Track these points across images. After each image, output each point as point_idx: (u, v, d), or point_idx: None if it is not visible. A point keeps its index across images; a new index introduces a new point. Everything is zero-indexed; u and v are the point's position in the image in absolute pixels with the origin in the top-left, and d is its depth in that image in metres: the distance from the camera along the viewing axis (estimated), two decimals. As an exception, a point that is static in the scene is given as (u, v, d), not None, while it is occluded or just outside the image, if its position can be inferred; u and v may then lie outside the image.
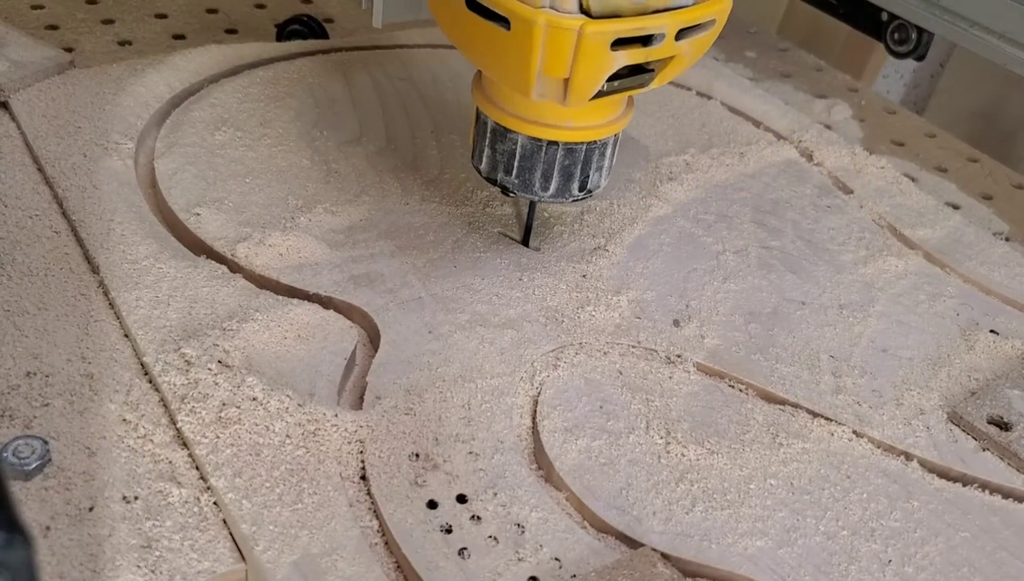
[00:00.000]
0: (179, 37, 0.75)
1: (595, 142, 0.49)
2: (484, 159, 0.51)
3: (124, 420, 0.42)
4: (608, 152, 0.50)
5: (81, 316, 0.46)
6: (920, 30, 0.76)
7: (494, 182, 0.52)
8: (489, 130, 0.50)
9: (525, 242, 0.57)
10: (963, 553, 0.43)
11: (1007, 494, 0.46)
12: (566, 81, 0.44)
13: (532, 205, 0.55)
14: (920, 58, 0.78)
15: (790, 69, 0.89)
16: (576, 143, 0.49)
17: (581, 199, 0.51)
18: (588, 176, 0.50)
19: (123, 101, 0.61)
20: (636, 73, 0.46)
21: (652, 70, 0.46)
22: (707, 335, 0.52)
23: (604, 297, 0.53)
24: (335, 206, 0.56)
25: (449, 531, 0.39)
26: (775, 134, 0.73)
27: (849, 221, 0.64)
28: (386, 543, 0.39)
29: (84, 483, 0.39)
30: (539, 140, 0.48)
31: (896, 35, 0.78)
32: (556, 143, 0.48)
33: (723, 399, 0.48)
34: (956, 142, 0.81)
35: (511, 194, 0.52)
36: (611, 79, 0.44)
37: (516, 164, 0.49)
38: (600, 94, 0.45)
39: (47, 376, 0.43)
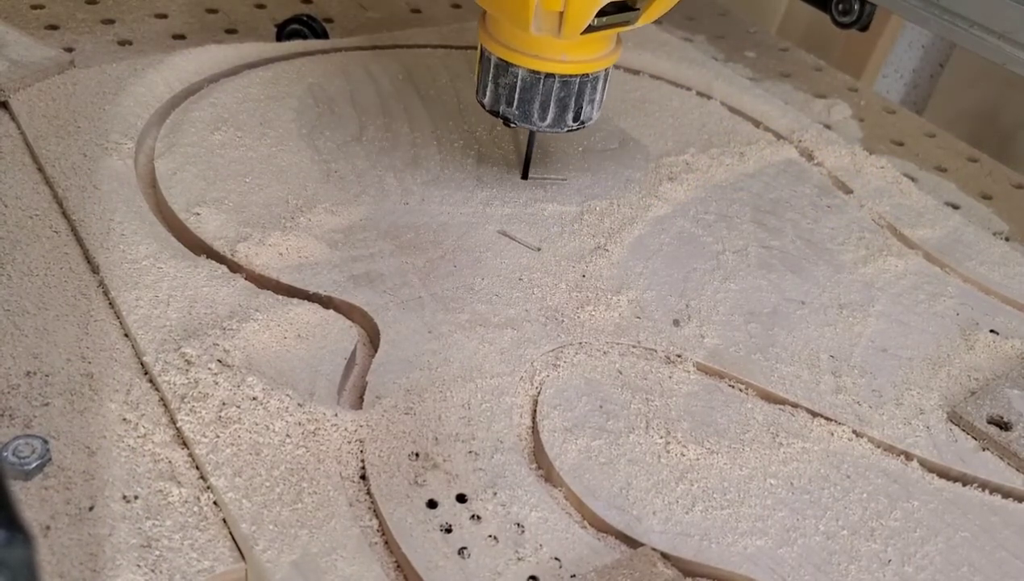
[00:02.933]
0: (179, 37, 0.75)
1: (587, 75, 0.54)
2: (488, 93, 0.56)
3: (124, 420, 0.42)
4: (599, 85, 0.56)
5: (81, 316, 0.46)
6: (863, 2, 0.80)
7: (496, 114, 0.57)
8: (493, 65, 0.55)
9: (524, 175, 0.62)
10: (963, 553, 0.43)
11: (1007, 494, 0.46)
12: (561, 14, 0.49)
13: (531, 136, 0.60)
14: (863, 28, 0.81)
15: (790, 69, 0.89)
16: (571, 75, 0.54)
17: (575, 129, 0.57)
18: (581, 107, 0.56)
19: (123, 101, 0.61)
20: (622, 11, 0.52)
21: (637, 8, 0.52)
22: (707, 335, 0.52)
23: (604, 297, 0.53)
24: (335, 206, 0.56)
25: (449, 531, 0.39)
26: (775, 134, 0.73)
27: (849, 221, 0.64)
28: (386, 543, 0.39)
29: (84, 482, 0.39)
30: (537, 73, 0.54)
31: (840, 6, 0.82)
32: (553, 75, 0.54)
33: (723, 399, 0.48)
34: (956, 142, 0.81)
35: (512, 125, 0.57)
36: (600, 14, 0.50)
37: (517, 96, 0.55)
38: (591, 29, 0.50)
39: (47, 376, 0.43)
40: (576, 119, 0.56)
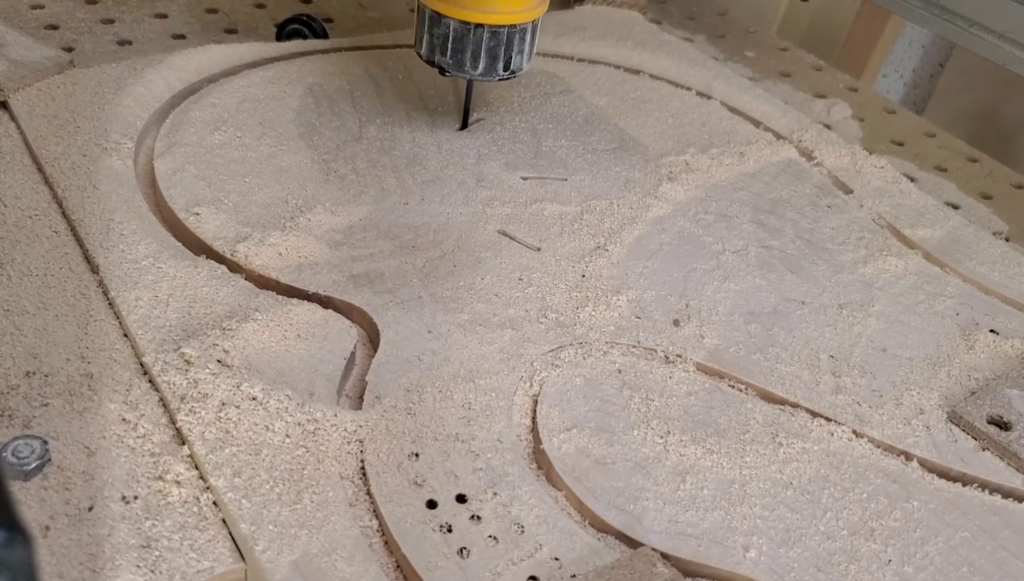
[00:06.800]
0: (179, 37, 0.75)
1: (515, 26, 0.59)
2: (424, 44, 0.60)
3: (124, 420, 0.42)
4: (528, 36, 0.60)
5: (81, 316, 0.46)
6: None
7: (432, 64, 0.61)
8: (427, 17, 0.59)
9: (464, 124, 0.66)
10: (963, 553, 0.43)
11: (1007, 494, 0.46)
12: None
13: (469, 86, 0.64)
14: None
15: (790, 69, 0.89)
16: (499, 26, 0.58)
17: (507, 78, 0.61)
18: (511, 57, 0.60)
19: (123, 101, 0.61)
20: None
21: None
22: (707, 335, 0.52)
23: (604, 297, 0.53)
24: (335, 206, 0.56)
25: (449, 530, 0.39)
26: (775, 134, 0.73)
27: (849, 221, 0.64)
28: (386, 543, 0.39)
29: (84, 483, 0.39)
30: (468, 23, 0.58)
31: None
32: (482, 26, 0.58)
33: (723, 399, 0.48)
34: (956, 142, 0.81)
35: (447, 73, 0.60)
36: None
37: (450, 46, 0.59)
38: None
39: (47, 376, 0.43)
40: (507, 68, 0.60)
